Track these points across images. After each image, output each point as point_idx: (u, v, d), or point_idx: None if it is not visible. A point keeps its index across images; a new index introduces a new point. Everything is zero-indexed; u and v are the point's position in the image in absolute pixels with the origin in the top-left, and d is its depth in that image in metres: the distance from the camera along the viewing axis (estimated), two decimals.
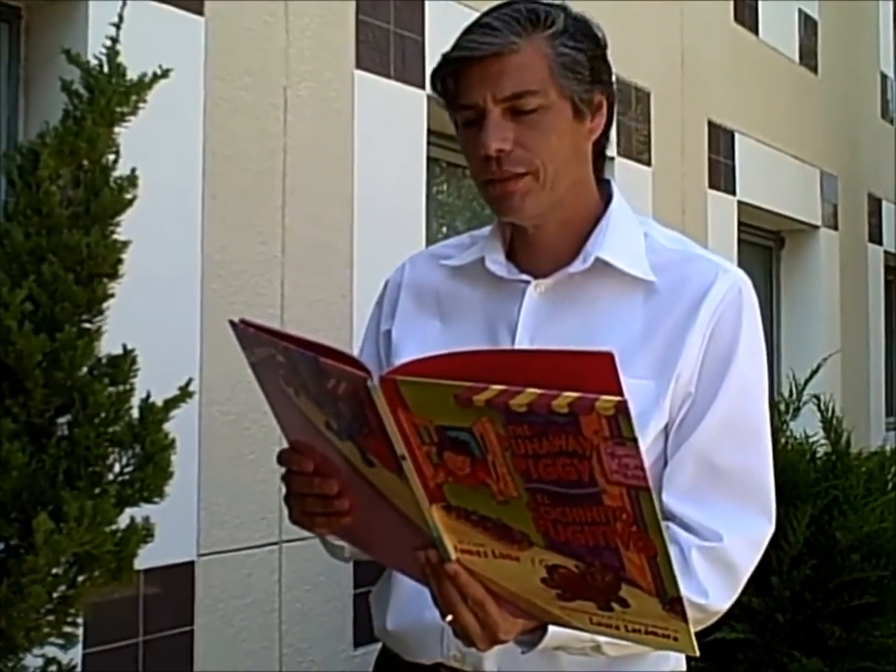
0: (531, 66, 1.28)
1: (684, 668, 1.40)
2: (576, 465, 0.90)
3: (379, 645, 1.49)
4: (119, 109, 1.60)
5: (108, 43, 1.64)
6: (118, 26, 1.64)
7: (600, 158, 1.42)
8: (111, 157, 1.62)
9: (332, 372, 0.98)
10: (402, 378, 0.93)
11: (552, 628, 1.13)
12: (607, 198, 1.41)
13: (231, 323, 1.12)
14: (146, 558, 1.71)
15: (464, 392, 0.90)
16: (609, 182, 1.43)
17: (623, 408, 0.85)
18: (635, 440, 0.87)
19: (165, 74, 1.64)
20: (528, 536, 0.97)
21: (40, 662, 1.63)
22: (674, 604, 0.95)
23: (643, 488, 0.89)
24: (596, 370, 0.86)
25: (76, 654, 1.87)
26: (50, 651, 1.63)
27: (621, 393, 0.85)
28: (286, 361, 1.06)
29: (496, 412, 0.90)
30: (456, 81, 1.31)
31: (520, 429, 0.90)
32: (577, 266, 1.35)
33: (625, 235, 1.36)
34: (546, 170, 1.30)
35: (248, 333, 1.10)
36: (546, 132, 1.29)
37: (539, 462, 0.91)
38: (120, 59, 1.64)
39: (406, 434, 0.96)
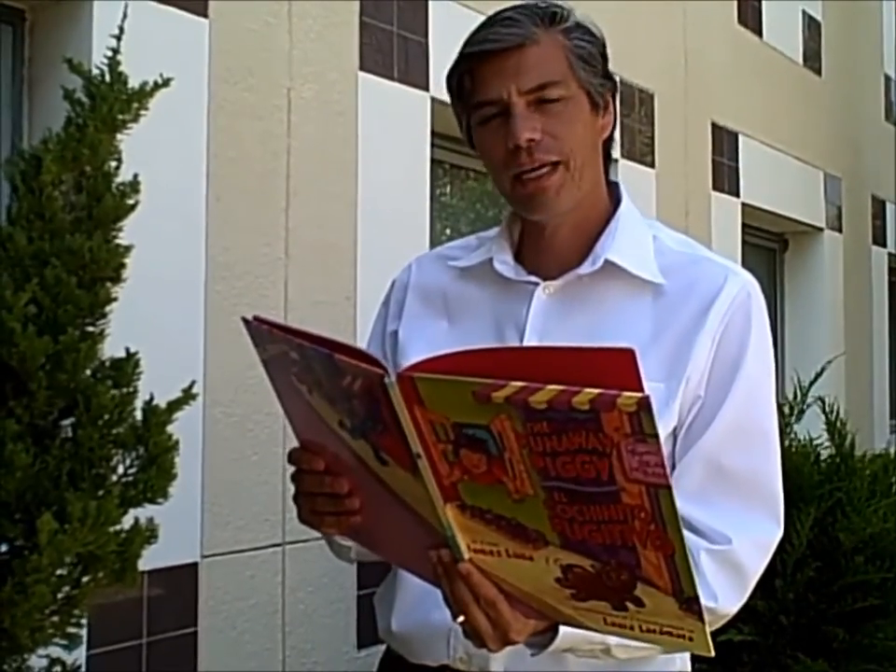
0: (552, 57, 1.30)
1: (689, 670, 1.40)
2: (595, 462, 0.89)
3: (382, 647, 1.49)
4: (120, 117, 1.61)
5: (112, 45, 1.65)
6: (118, 38, 1.65)
7: (607, 159, 1.42)
8: (113, 163, 1.63)
9: (348, 369, 0.97)
10: (420, 375, 0.92)
11: (563, 629, 1.12)
12: (615, 200, 1.41)
13: (244, 320, 1.12)
14: (149, 559, 1.71)
15: (483, 389, 0.89)
16: (617, 185, 1.44)
17: (645, 404, 0.84)
18: (656, 436, 0.86)
19: (166, 83, 1.65)
20: (544, 535, 0.96)
21: (45, 662, 1.64)
22: (690, 603, 0.95)
23: (663, 486, 0.88)
24: (617, 366, 0.85)
25: (79, 655, 1.87)
26: (54, 651, 1.63)
27: (642, 389, 0.85)
28: (299, 359, 1.05)
29: (514, 408, 0.89)
30: (473, 78, 1.31)
31: (539, 426, 0.89)
32: (586, 268, 1.35)
33: (634, 237, 1.37)
34: (576, 159, 1.31)
35: (261, 330, 1.09)
36: (571, 122, 1.30)
37: (557, 459, 0.90)
38: (122, 66, 1.65)
39: (422, 432, 0.95)
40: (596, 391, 0.85)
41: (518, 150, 1.28)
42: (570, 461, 0.90)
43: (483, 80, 1.30)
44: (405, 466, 0.99)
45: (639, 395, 0.84)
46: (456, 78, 1.34)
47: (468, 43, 1.33)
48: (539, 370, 0.88)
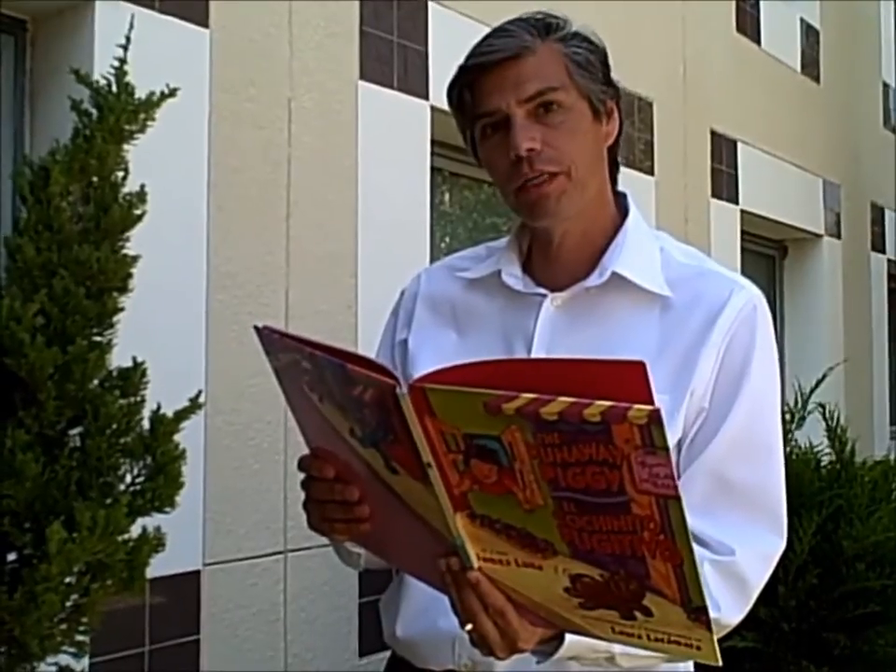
0: (550, 66, 1.30)
1: None
2: (605, 474, 0.89)
3: (384, 654, 1.49)
4: (127, 127, 1.61)
5: (114, 55, 1.66)
6: (125, 48, 1.66)
7: (614, 167, 1.42)
8: (120, 174, 1.64)
9: (360, 379, 0.98)
10: (431, 386, 0.93)
11: (569, 638, 1.12)
12: (623, 211, 1.41)
13: (256, 329, 1.13)
14: (152, 567, 1.71)
15: (494, 400, 0.90)
16: (625, 196, 1.43)
17: (656, 417, 0.85)
18: (666, 448, 0.87)
19: (173, 93, 1.66)
20: (553, 544, 0.97)
21: (53, 670, 1.64)
22: (699, 613, 0.95)
23: (672, 497, 0.89)
24: (628, 378, 0.86)
25: (83, 663, 1.88)
26: (62, 659, 1.63)
27: (653, 401, 0.85)
28: (311, 368, 1.06)
29: (525, 420, 0.90)
30: (474, 91, 1.32)
31: (549, 438, 0.90)
32: (593, 280, 1.35)
33: (641, 250, 1.37)
34: (577, 168, 1.31)
35: (273, 339, 1.11)
36: (571, 131, 1.31)
37: (567, 470, 0.91)
38: (128, 77, 1.66)
39: (432, 442, 0.95)
40: (608, 403, 0.86)
41: (519, 161, 1.29)
42: (580, 472, 0.90)
43: (482, 92, 1.31)
44: (415, 475, 0.99)
45: (650, 408, 0.85)
46: (457, 92, 1.35)
47: (466, 57, 1.33)
48: (550, 381, 0.89)
